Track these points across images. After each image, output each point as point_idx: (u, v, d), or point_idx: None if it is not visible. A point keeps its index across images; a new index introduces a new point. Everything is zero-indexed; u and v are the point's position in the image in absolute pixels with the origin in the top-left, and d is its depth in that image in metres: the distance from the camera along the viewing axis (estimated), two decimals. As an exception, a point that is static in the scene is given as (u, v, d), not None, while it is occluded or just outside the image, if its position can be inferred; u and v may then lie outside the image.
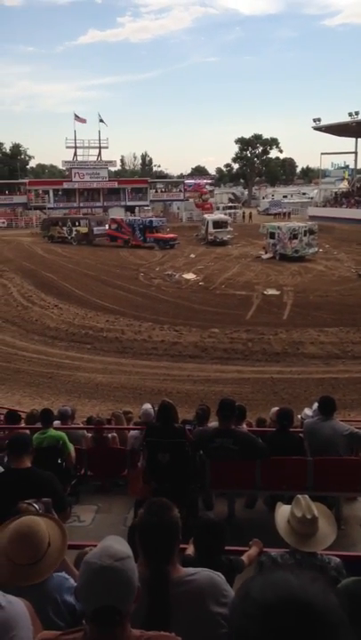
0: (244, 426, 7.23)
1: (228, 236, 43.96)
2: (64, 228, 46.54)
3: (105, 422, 7.82)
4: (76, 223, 46.92)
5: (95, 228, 45.83)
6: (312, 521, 2.81)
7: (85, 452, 6.77)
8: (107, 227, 46.47)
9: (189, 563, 2.66)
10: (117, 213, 56.18)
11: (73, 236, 45.85)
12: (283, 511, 2.98)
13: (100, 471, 6.80)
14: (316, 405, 6.14)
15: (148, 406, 7.30)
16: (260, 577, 1.02)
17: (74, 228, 46.11)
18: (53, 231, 46.72)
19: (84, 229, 45.79)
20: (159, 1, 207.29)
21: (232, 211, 61.13)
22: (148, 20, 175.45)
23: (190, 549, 3.06)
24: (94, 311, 24.54)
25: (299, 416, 7.31)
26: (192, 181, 73.46)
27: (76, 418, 8.60)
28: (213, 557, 2.90)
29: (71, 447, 6.01)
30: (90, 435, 7.28)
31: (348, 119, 55.92)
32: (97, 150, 61.30)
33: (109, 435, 7.28)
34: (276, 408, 7.03)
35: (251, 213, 62.93)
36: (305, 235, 35.80)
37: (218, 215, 50.20)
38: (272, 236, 36.80)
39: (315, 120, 60.56)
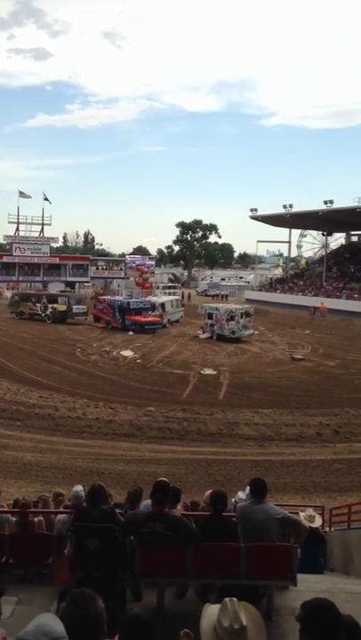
0: (179, 507, 7.06)
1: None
2: (37, 305, 44.74)
3: (31, 505, 7.42)
4: (55, 300, 45.06)
5: (74, 307, 44.01)
6: (240, 631, 2.62)
7: (8, 537, 6.36)
8: (84, 306, 44.58)
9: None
10: (57, 288, 56.28)
11: (48, 313, 44.06)
12: (210, 615, 2.76)
13: (23, 559, 6.37)
14: (249, 488, 6.10)
15: (78, 488, 7.02)
16: None
17: (49, 305, 44.32)
18: (24, 307, 44.94)
19: (61, 307, 43.96)
20: (107, 92, 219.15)
21: (172, 290, 62.48)
22: (96, 109, 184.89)
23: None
24: (27, 386, 23.82)
25: (232, 499, 7.23)
26: (137, 257, 75.08)
27: (1, 500, 8.15)
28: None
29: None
30: (14, 519, 6.87)
31: (282, 211, 59.61)
32: (39, 226, 62.16)
33: (35, 519, 6.90)
34: (210, 491, 6.93)
35: (190, 294, 64.54)
36: (241, 317, 36.92)
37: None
38: (210, 316, 37.70)
39: (252, 210, 64.27)
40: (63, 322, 42.92)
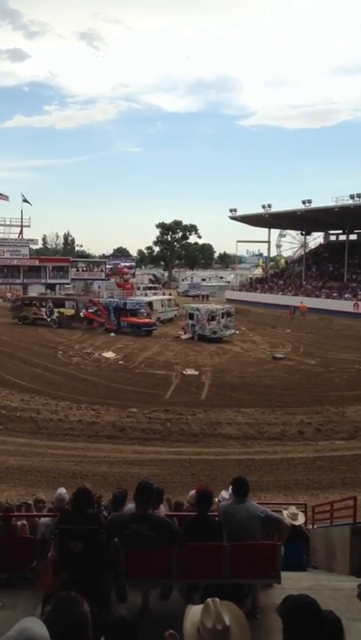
0: (162, 507, 7.07)
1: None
2: (42, 309, 43.77)
3: (14, 509, 7.38)
4: (62, 304, 44.16)
5: (83, 311, 42.91)
6: (223, 631, 2.55)
7: (-9, 542, 6.30)
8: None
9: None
10: (38, 290, 55.88)
11: (54, 318, 43.14)
12: (192, 617, 2.70)
13: (6, 563, 6.31)
14: (231, 488, 6.12)
15: (62, 490, 7.00)
16: None
17: (56, 310, 43.42)
18: (27, 312, 43.83)
19: (69, 311, 43.11)
20: (85, 93, 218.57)
21: (152, 291, 62.35)
22: (74, 110, 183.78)
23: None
24: (8, 389, 23.59)
25: (216, 499, 7.25)
26: (118, 262, 74.89)
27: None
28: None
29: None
30: (-3, 523, 6.81)
31: (261, 211, 59.83)
32: (18, 228, 61.66)
33: (18, 523, 6.85)
34: (194, 490, 6.94)
35: (171, 294, 64.50)
36: (222, 317, 37.07)
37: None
38: (191, 316, 37.78)
39: (231, 210, 64.28)
40: (68, 326, 42.08)
